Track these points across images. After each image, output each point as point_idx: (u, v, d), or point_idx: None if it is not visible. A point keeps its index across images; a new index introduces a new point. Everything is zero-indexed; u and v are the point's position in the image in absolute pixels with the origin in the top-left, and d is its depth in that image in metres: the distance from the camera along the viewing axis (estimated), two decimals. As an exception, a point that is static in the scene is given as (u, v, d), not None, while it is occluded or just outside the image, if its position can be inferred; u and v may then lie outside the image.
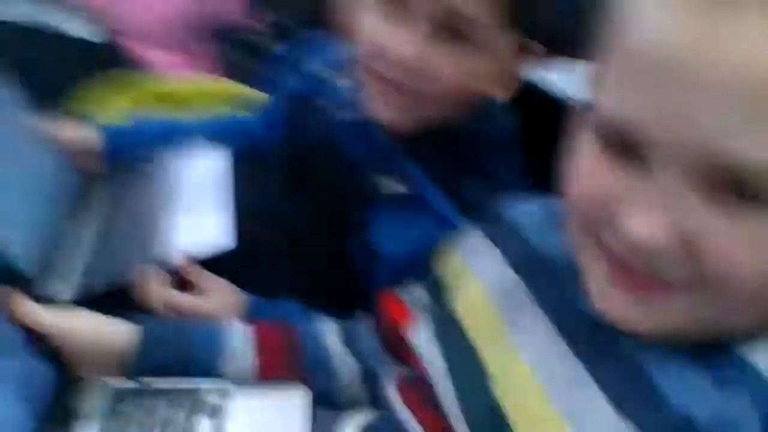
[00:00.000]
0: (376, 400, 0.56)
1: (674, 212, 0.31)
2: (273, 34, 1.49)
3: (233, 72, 1.30)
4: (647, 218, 0.32)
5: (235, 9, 1.47)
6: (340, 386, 0.57)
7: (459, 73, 0.59)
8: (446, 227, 0.59)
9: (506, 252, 0.48)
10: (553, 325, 0.41)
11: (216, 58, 1.41)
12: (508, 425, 0.38)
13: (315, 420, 0.53)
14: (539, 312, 0.42)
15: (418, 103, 0.61)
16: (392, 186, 0.65)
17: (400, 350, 0.56)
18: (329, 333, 0.60)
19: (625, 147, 0.33)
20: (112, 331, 0.57)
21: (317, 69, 0.80)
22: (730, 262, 0.31)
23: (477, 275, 0.49)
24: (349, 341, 0.60)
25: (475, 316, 0.46)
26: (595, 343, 0.38)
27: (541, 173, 0.48)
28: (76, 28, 1.46)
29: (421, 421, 0.44)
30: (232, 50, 1.41)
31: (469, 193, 0.63)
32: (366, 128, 0.66)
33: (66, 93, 1.07)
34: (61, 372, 0.56)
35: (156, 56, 1.37)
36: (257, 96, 1.10)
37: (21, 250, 0.67)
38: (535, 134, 0.67)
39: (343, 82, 0.74)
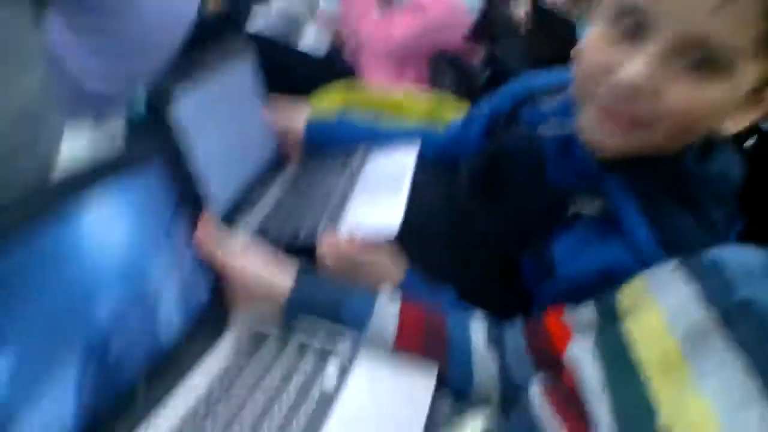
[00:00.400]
0: (505, 402, 0.54)
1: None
2: (485, 65, 1.53)
3: (443, 93, 1.34)
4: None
5: (458, 40, 1.54)
6: (473, 380, 0.56)
7: (690, 101, 0.52)
8: (637, 255, 0.55)
9: (703, 290, 0.44)
10: (750, 371, 0.36)
11: (429, 79, 1.48)
12: None
13: (435, 404, 0.53)
14: (733, 354, 0.38)
15: (636, 130, 0.55)
16: (585, 207, 0.61)
17: (547, 359, 0.54)
18: (475, 330, 0.59)
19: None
20: (271, 275, 0.60)
21: (523, 88, 0.79)
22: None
23: (661, 305, 0.45)
24: (495, 338, 0.58)
25: (650, 343, 0.43)
26: None
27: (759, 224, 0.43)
28: (311, 40, 1.65)
29: (566, 426, 0.42)
30: (445, 76, 1.47)
31: (674, 227, 0.56)
32: (571, 145, 0.62)
33: (298, 91, 1.20)
34: (218, 300, 0.60)
35: (375, 71, 1.48)
36: (462, 110, 1.11)
37: (217, 192, 0.75)
38: (759, 183, 0.60)
39: (551, 101, 0.72)
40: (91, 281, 0.45)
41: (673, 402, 0.38)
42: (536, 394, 0.46)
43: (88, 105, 1.09)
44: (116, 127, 1.10)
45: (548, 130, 0.68)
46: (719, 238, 0.55)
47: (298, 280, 0.59)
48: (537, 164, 0.67)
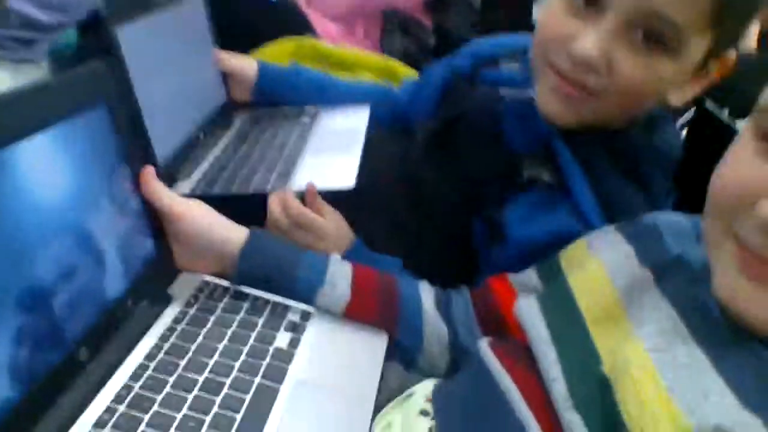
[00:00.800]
0: (454, 370, 0.55)
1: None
2: (435, 34, 1.52)
3: (392, 56, 1.32)
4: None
5: (412, 5, 1.51)
6: (423, 346, 0.56)
7: (640, 75, 0.54)
8: (581, 221, 0.58)
9: (639, 249, 0.48)
10: (679, 317, 0.39)
11: (378, 41, 1.45)
12: (614, 400, 0.36)
13: (385, 373, 0.52)
14: (665, 304, 0.41)
15: (589, 101, 0.57)
16: (537, 172, 0.62)
17: (494, 322, 0.55)
18: (425, 295, 0.59)
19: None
20: (224, 228, 0.57)
21: (485, 49, 0.78)
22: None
23: (601, 262, 0.48)
24: (443, 307, 0.59)
25: (591, 293, 0.46)
26: (723, 339, 0.36)
27: (691, 192, 0.48)
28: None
29: (515, 380, 0.42)
30: (396, 37, 1.44)
31: (617, 196, 0.59)
32: (529, 111, 0.63)
33: (244, 45, 1.14)
34: (163, 259, 0.57)
35: (326, 26, 1.44)
36: (412, 76, 1.10)
37: (161, 140, 0.71)
38: (693, 154, 0.64)
39: (512, 64, 0.73)
40: (28, 231, 0.41)
41: (612, 347, 0.40)
42: (484, 349, 0.47)
43: (19, 37, 1.00)
44: (43, 64, 1.02)
45: (508, 92, 0.68)
46: (657, 206, 0.58)
47: (253, 234, 0.57)
48: (494, 127, 0.68)
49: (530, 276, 0.56)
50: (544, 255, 0.56)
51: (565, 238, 0.55)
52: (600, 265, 0.48)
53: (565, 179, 0.60)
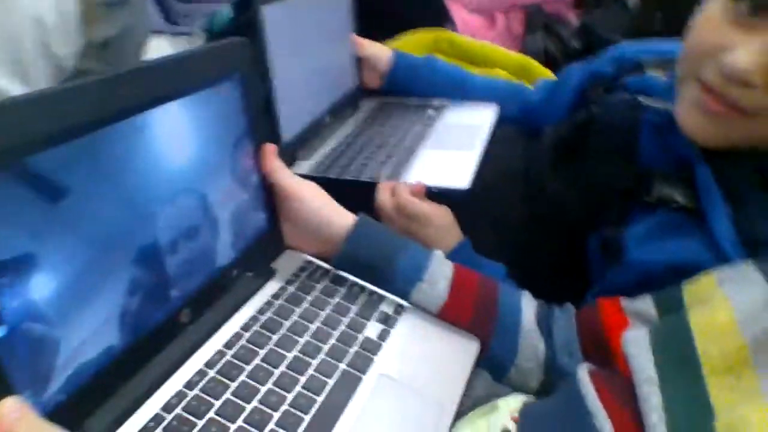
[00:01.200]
0: (544, 388, 0.52)
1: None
2: (581, 34, 1.44)
3: (532, 55, 1.27)
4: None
5: (558, 2, 1.44)
6: (516, 360, 0.53)
7: None
8: (715, 253, 0.51)
9: None
10: None
11: (519, 37, 1.40)
12: None
13: (475, 374, 0.50)
14: None
15: (738, 120, 0.51)
16: (670, 192, 0.57)
17: (597, 347, 0.51)
18: (526, 307, 0.56)
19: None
20: (333, 211, 0.58)
21: (632, 54, 0.72)
22: None
23: (732, 304, 0.42)
24: (544, 322, 0.55)
25: (715, 339, 0.40)
26: None
27: None
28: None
29: (611, 416, 0.38)
30: (538, 35, 1.38)
31: (762, 228, 0.52)
32: (669, 124, 0.58)
33: (384, 32, 1.16)
34: (272, 234, 0.59)
35: (467, 18, 1.41)
36: (548, 76, 1.05)
37: (288, 120, 0.73)
38: None
39: (657, 74, 0.67)
40: (153, 191, 0.43)
41: (731, 403, 0.35)
42: (582, 378, 0.43)
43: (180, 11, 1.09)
44: (198, 37, 1.10)
45: (650, 101, 0.63)
46: None
47: (360, 219, 0.57)
48: (628, 137, 0.63)
49: (647, 304, 0.51)
50: (664, 284, 0.50)
51: (692, 270, 0.49)
52: (730, 306, 0.42)
53: (702, 203, 0.54)
